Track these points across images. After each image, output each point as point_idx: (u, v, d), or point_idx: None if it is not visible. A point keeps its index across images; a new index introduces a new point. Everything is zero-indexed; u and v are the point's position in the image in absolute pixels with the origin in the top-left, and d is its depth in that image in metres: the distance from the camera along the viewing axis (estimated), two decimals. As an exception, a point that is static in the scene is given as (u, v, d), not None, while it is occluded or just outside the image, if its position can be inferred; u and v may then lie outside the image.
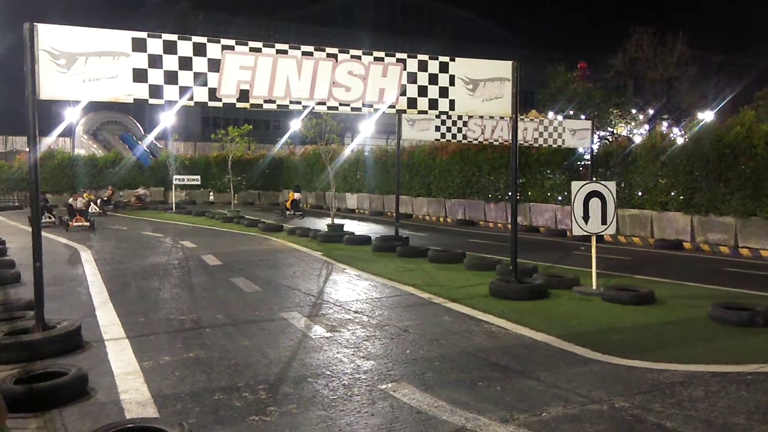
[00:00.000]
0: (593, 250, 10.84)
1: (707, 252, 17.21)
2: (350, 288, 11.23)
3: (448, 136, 16.93)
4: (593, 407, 5.39)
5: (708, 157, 17.33)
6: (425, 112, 9.94)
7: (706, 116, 33.31)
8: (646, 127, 37.58)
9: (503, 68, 10.03)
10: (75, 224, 22.03)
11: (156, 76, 7.65)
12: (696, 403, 5.45)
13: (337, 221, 21.55)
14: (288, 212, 28.80)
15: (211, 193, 40.58)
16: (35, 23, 6.99)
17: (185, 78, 7.84)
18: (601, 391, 5.76)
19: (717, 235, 17.38)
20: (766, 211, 16.18)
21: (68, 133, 50.42)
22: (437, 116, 15.70)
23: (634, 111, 38.85)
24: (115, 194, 35.44)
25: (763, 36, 55.84)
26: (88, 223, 22.22)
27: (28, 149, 7.99)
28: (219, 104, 8.24)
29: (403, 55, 9.39)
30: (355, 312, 9.20)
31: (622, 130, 36.59)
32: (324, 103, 8.89)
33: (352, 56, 8.95)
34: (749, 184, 16.49)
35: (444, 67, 9.63)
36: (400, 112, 10.41)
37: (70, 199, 24.83)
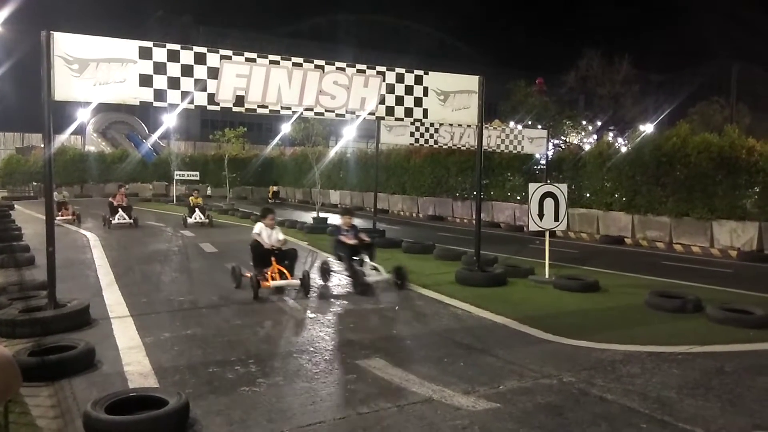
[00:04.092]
0: (547, 243, 10.93)
1: (646, 247, 17.43)
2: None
3: (422, 141, 16.94)
4: (544, 381, 5.44)
5: (648, 164, 17.52)
6: (401, 119, 9.93)
7: (647, 128, 33.69)
8: (595, 136, 37.93)
9: (471, 82, 10.05)
10: (116, 221, 18.33)
11: (160, 82, 7.57)
12: (633, 378, 5.52)
13: (322, 215, 21.47)
14: (270, 201, 35.38)
15: (209, 188, 40.31)
16: (51, 31, 6.88)
17: (186, 84, 7.77)
18: (551, 367, 5.81)
19: (654, 232, 17.60)
20: (697, 212, 16.43)
21: (80, 131, 49.76)
22: (412, 123, 15.66)
23: (584, 122, 39.16)
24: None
25: (696, 58, 56.68)
26: (131, 220, 18.61)
27: (43, 145, 7.85)
28: (217, 108, 8.17)
29: (383, 68, 9.36)
30: (337, 295, 9.18)
31: (574, 139, 36.89)
32: (311, 109, 8.85)
33: (337, 68, 8.92)
34: (683, 189, 16.72)
35: (419, 80, 9.63)
36: (379, 118, 10.41)
37: (111, 198, 19.74)
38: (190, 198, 21.29)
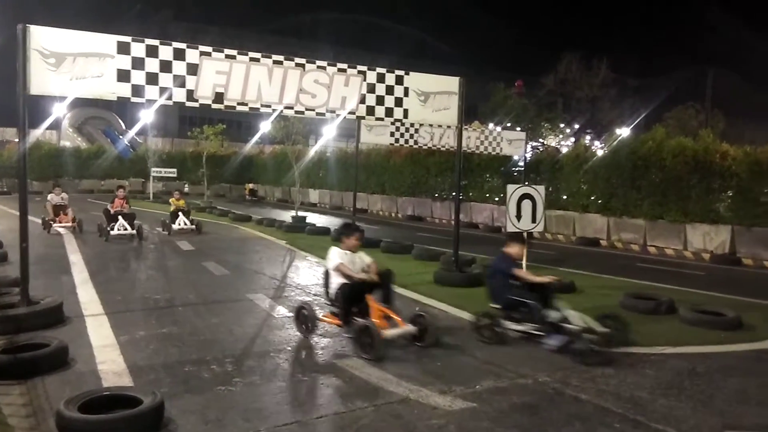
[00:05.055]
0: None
1: (621, 249, 17.64)
2: (310, 273, 11.17)
3: (401, 141, 16.91)
4: (520, 381, 5.48)
5: (624, 167, 17.73)
6: (382, 119, 9.93)
7: (623, 132, 34.12)
8: (572, 139, 38.37)
9: (451, 83, 10.09)
10: (116, 231, 14.73)
11: (138, 77, 7.48)
12: (608, 379, 5.59)
13: (301, 214, 21.40)
14: (248, 198, 36.29)
15: (186, 185, 39.92)
16: (28, 25, 6.76)
17: (165, 79, 7.68)
18: (528, 368, 5.85)
19: (629, 234, 17.83)
20: (671, 215, 16.68)
21: (55, 126, 48.87)
22: (392, 123, 15.64)
23: (562, 125, 39.59)
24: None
25: (672, 64, 57.53)
26: (133, 230, 14.96)
27: (17, 140, 7.72)
28: (196, 104, 8.09)
29: (364, 68, 9.35)
30: (315, 294, 9.15)
31: (552, 141, 37.28)
32: (292, 108, 8.81)
33: (318, 66, 8.89)
34: (658, 192, 16.96)
35: (399, 80, 9.64)
36: (360, 118, 10.38)
37: (109, 204, 15.56)
38: (171, 200, 17.81)
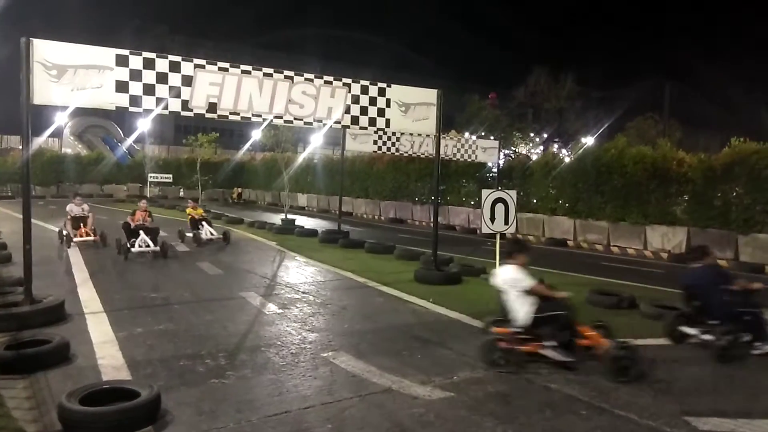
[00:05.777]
0: (497, 245, 11.03)
1: (586, 249, 17.80)
2: (299, 272, 11.13)
3: (384, 148, 16.96)
4: (494, 372, 5.49)
5: (589, 173, 17.90)
6: (365, 128, 9.95)
7: (588, 140, 34.40)
8: (541, 147, 38.60)
9: (430, 95, 10.12)
10: (137, 248, 12.11)
11: (136, 88, 7.41)
12: (574, 369, 5.62)
13: (290, 216, 21.29)
14: (235, 201, 37.06)
15: (182, 190, 39.67)
16: (31, 38, 6.68)
17: (161, 90, 7.62)
18: (501, 359, 5.86)
19: (594, 235, 17.99)
20: (632, 218, 16.87)
21: (57, 134, 48.26)
22: (375, 132, 15.69)
23: (532, 134, 39.84)
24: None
25: (632, 77, 58.25)
26: (156, 247, 12.26)
27: (21, 147, 7.60)
28: (190, 114, 8.04)
29: (349, 80, 9.35)
30: (303, 292, 9.12)
31: (523, 149, 37.49)
32: (281, 117, 8.79)
33: (305, 79, 8.87)
34: (620, 196, 17.14)
35: (382, 92, 9.65)
36: (345, 127, 10.40)
37: (129, 218, 13.03)
38: (188, 210, 15.89)
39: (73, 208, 14.12)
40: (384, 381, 5.16)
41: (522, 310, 5.69)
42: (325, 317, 7.60)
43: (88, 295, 8.38)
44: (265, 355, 5.87)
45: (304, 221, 22.25)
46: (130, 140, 46.43)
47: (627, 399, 4.90)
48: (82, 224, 13.77)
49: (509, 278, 5.81)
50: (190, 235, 14.84)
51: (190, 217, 15.33)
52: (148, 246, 12.23)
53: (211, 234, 14.61)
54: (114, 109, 7.59)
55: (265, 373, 5.36)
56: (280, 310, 7.87)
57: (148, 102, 7.53)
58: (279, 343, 6.33)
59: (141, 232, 12.44)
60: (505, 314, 5.85)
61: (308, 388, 4.99)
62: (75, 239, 13.28)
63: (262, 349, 6.09)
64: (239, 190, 38.66)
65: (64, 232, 13.63)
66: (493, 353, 5.56)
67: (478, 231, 20.18)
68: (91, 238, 13.53)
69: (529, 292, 5.68)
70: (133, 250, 12.05)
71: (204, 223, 14.88)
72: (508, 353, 5.50)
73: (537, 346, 5.55)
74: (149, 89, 7.51)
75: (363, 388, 5.01)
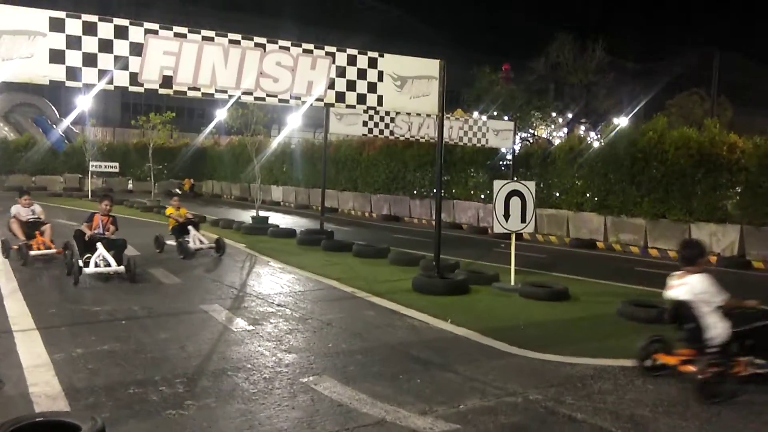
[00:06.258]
0: (512, 247, 11.08)
1: (619, 251, 17.88)
2: (273, 281, 11.13)
3: (376, 131, 16.95)
4: (508, 399, 5.52)
5: (622, 160, 17.98)
6: (353, 107, 9.96)
7: (621, 121, 34.59)
8: (565, 130, 38.82)
9: (431, 66, 10.12)
10: (96, 268, 10.36)
11: (74, 58, 7.39)
12: (605, 395, 5.65)
13: (262, 213, 21.29)
14: (186, 192, 36.47)
15: (130, 182, 39.61)
16: (-56, -4, 6.63)
17: (105, 61, 7.60)
18: (516, 384, 5.90)
19: (628, 235, 18.07)
20: (674, 214, 16.94)
21: (-23, 114, 47.91)
22: (365, 111, 15.69)
23: (554, 114, 39.99)
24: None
25: (675, 46, 58.47)
26: (120, 268, 10.46)
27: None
28: (140, 90, 8.03)
29: (333, 49, 9.35)
30: (278, 305, 9.12)
31: (543, 132, 37.67)
32: (251, 94, 8.78)
33: (280, 47, 8.86)
34: (660, 188, 17.22)
35: (373, 63, 9.64)
36: (328, 105, 10.37)
37: (83, 224, 11.28)
38: (169, 210, 14.44)
39: (21, 211, 12.53)
40: (376, 411, 5.16)
41: (719, 325, 5.68)
42: (305, 335, 7.60)
43: (16, 309, 8.34)
44: (233, 381, 5.86)
45: (279, 219, 22.25)
46: (67, 122, 46.22)
47: (668, 431, 4.92)
48: (37, 232, 12.13)
49: (703, 290, 5.77)
50: (171, 243, 13.65)
51: (171, 220, 14.12)
52: (108, 265, 10.49)
53: (201, 242, 13.45)
54: (47, 83, 7.57)
55: (232, 402, 5.35)
56: (251, 327, 7.86)
57: (88, 75, 7.51)
58: (249, 366, 6.32)
59: (99, 245, 10.71)
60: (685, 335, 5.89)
61: (284, 421, 4.99)
62: (32, 252, 11.72)
63: (228, 373, 6.09)
64: (191, 181, 38.97)
65: (14, 246, 12.07)
66: (705, 390, 5.40)
67: (489, 230, 20.28)
68: (53, 250, 11.92)
69: (722, 306, 5.71)
70: (86, 270, 10.27)
71: (191, 227, 13.66)
72: (717, 383, 5.39)
73: (747, 365, 5.56)
74: (90, 59, 7.48)
75: (351, 419, 5.01)
